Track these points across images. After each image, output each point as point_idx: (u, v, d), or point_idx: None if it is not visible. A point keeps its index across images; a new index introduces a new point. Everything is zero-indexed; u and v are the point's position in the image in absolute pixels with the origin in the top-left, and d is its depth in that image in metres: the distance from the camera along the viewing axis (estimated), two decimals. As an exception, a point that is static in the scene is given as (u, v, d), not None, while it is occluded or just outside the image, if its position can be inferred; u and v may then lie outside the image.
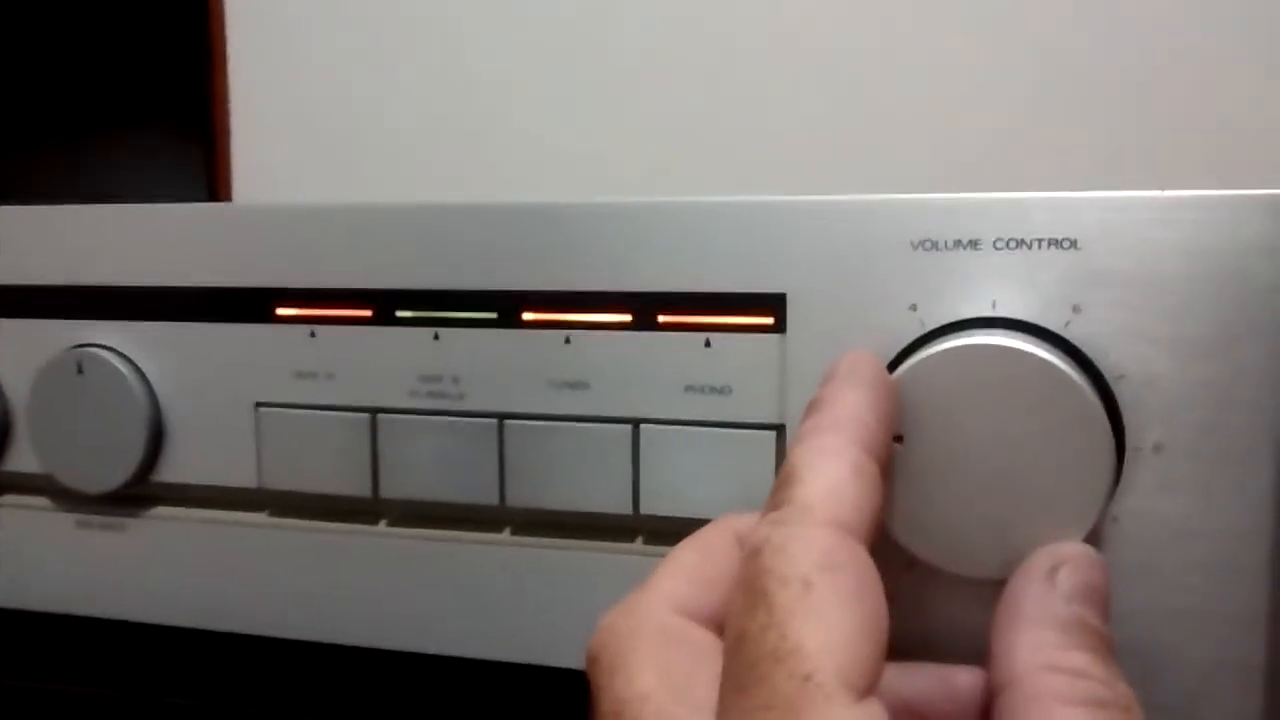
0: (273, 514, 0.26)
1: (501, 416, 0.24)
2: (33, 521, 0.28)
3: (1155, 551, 0.21)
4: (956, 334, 0.21)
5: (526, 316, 0.24)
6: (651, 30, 0.67)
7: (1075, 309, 0.21)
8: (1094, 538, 0.21)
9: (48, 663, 0.28)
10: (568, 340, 0.24)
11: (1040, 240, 0.21)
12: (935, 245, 0.22)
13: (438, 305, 0.25)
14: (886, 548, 0.21)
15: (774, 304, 0.23)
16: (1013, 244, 0.21)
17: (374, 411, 0.25)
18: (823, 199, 0.22)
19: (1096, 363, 0.21)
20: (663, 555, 0.24)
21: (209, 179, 0.97)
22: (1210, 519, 0.21)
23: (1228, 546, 0.21)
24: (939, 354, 0.20)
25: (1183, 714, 0.21)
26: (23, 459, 0.28)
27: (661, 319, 0.23)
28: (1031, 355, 0.20)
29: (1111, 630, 0.19)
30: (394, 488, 0.25)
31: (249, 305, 0.26)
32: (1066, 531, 0.20)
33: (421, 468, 0.25)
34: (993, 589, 0.20)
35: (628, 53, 0.68)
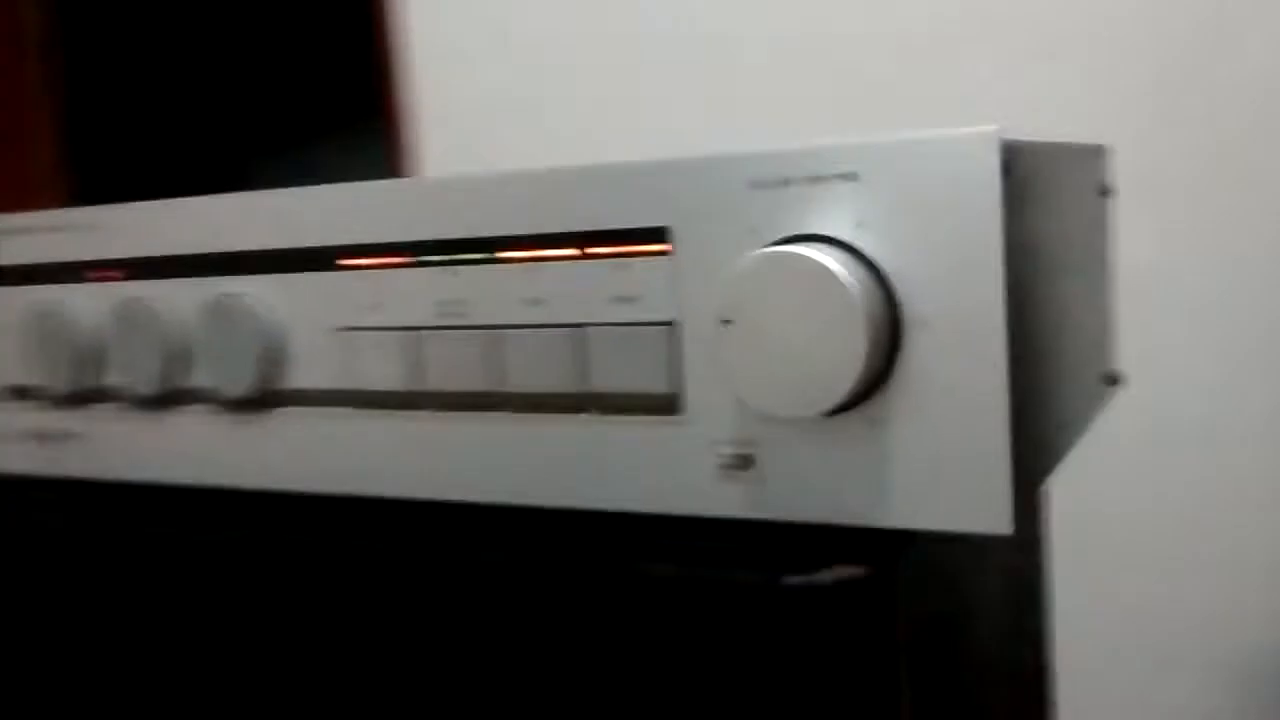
0: (355, 406, 0.37)
1: (491, 327, 0.34)
2: (205, 420, 0.40)
3: (929, 399, 0.29)
4: (777, 246, 0.29)
5: (504, 254, 0.34)
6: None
7: (860, 224, 0.29)
8: (886, 389, 0.29)
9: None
10: (532, 270, 0.33)
11: (833, 175, 0.29)
12: (764, 184, 0.30)
13: (450, 250, 0.35)
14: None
15: (663, 234, 0.31)
16: (815, 179, 0.29)
17: (414, 329, 0.35)
18: (692, 158, 0.31)
19: (876, 263, 0.29)
20: (609, 422, 0.33)
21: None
22: (965, 371, 0.28)
23: (975, 392, 0.28)
24: (752, 259, 0.29)
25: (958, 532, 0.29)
26: (199, 377, 0.40)
27: (591, 250, 0.32)
28: (809, 258, 0.28)
29: (899, 445, 0.28)
30: (432, 383, 0.35)
31: (322, 259, 0.37)
32: (840, 378, 0.28)
33: (447, 369, 0.35)
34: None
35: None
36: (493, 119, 1.02)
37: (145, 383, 0.40)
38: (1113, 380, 0.46)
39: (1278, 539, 0.86)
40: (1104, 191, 0.45)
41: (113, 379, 0.41)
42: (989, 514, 0.29)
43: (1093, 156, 0.44)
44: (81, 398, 0.42)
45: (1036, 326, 0.34)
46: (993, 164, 0.27)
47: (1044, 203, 0.34)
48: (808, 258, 0.28)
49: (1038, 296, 0.34)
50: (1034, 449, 0.34)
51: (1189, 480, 0.87)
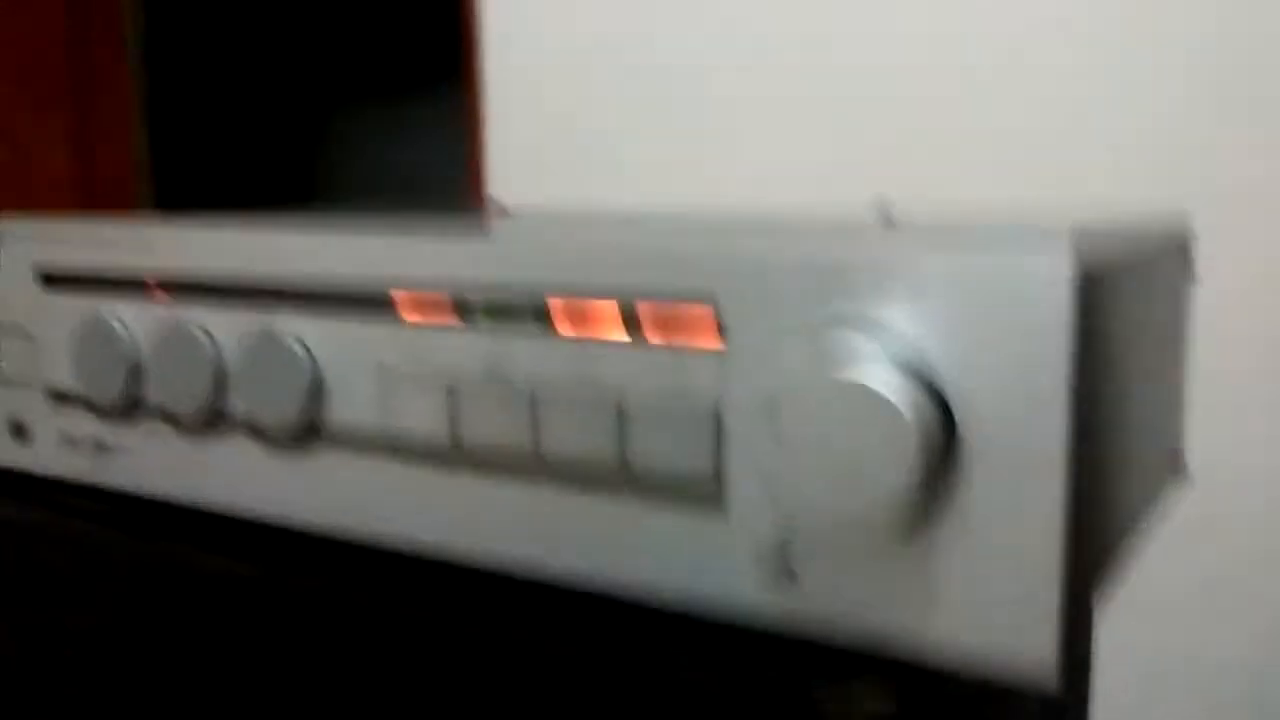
0: (393, 453, 0.36)
1: (533, 391, 0.33)
2: (244, 449, 0.39)
3: (980, 527, 0.27)
4: (832, 350, 0.28)
5: (550, 321, 0.33)
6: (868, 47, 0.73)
7: (921, 335, 0.28)
8: (937, 511, 0.28)
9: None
10: (578, 339, 0.32)
11: (898, 280, 0.28)
12: (824, 278, 0.29)
13: (498, 309, 0.34)
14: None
15: (714, 318, 0.30)
16: (878, 281, 0.28)
17: (455, 383, 0.35)
18: (749, 242, 0.30)
19: (934, 380, 0.27)
20: (648, 506, 0.32)
21: (467, 144, 1.10)
22: (1020, 503, 0.27)
23: (1029, 527, 0.27)
24: (804, 366, 0.28)
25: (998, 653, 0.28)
26: (238, 405, 0.39)
27: (639, 326, 0.31)
28: (863, 375, 0.27)
29: (945, 571, 0.26)
30: (470, 439, 0.35)
31: (370, 303, 0.36)
32: (888, 499, 0.27)
33: (486, 426, 0.34)
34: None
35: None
36: (566, 73, 1.00)
37: (187, 404, 0.40)
38: (1179, 470, 0.44)
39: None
40: (1187, 278, 0.43)
41: (157, 397, 0.41)
42: (1034, 660, 0.27)
43: (1177, 241, 0.42)
44: (126, 411, 0.42)
45: (1099, 425, 0.32)
46: (1063, 293, 0.26)
47: (1118, 307, 0.32)
48: (863, 375, 0.27)
49: (1103, 395, 0.32)
50: (1089, 567, 0.33)
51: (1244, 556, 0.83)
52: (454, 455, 0.35)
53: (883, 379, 0.27)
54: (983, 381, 0.27)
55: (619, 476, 0.32)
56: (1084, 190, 0.73)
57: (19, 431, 0.46)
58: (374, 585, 0.37)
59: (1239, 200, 0.74)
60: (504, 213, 0.62)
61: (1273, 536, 0.80)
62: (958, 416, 0.27)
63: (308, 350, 0.37)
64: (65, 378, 0.43)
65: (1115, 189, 0.73)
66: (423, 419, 0.35)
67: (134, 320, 0.41)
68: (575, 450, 0.33)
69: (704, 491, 0.31)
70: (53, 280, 0.44)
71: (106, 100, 1.82)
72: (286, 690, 0.38)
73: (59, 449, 0.44)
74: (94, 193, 1.82)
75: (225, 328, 0.39)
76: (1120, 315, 0.31)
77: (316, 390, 0.37)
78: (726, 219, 0.38)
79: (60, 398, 0.44)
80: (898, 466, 0.27)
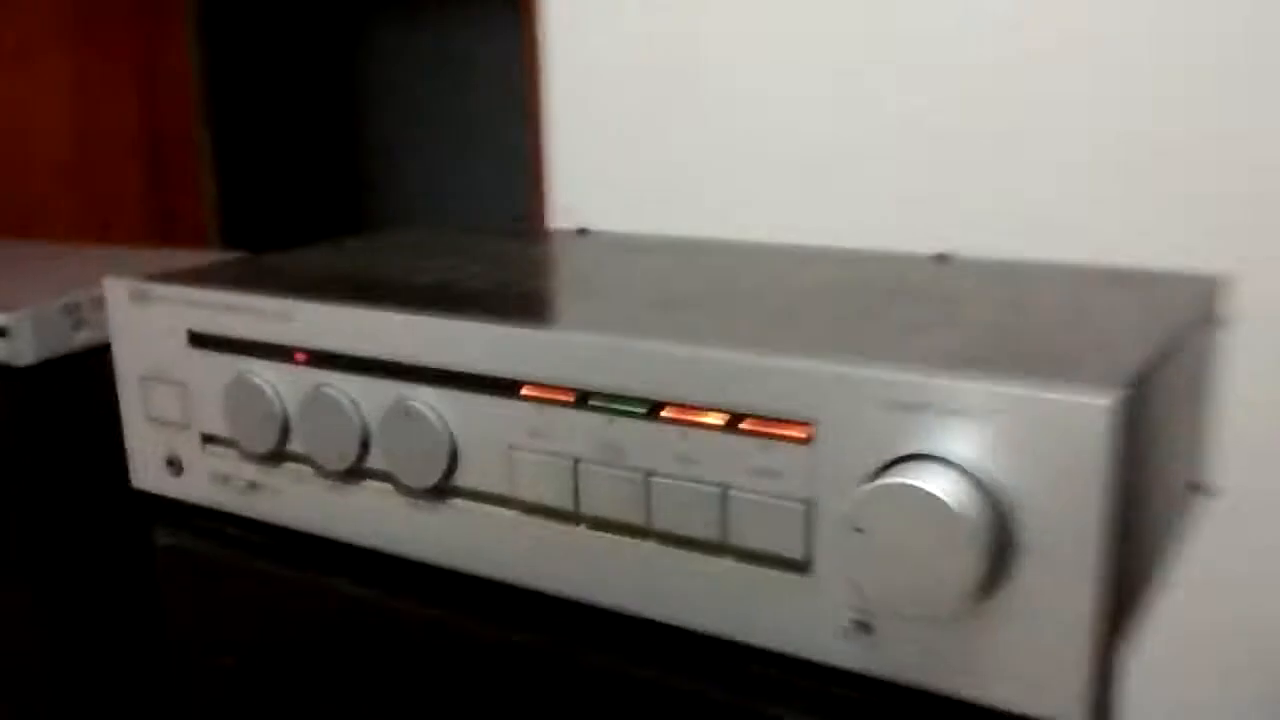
0: (519, 511, 0.43)
1: (644, 473, 0.39)
2: (384, 498, 0.46)
3: (1030, 607, 0.33)
4: (908, 462, 0.34)
5: (660, 413, 0.38)
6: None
7: (984, 456, 0.33)
8: (995, 594, 0.34)
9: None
10: (684, 431, 0.38)
11: (968, 410, 0.33)
12: (904, 404, 0.34)
13: (613, 401, 0.39)
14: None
15: (806, 426, 0.36)
16: (951, 411, 0.33)
17: (574, 460, 0.40)
18: (840, 368, 0.35)
19: (994, 492, 0.33)
20: (745, 569, 0.38)
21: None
22: (1063, 590, 0.33)
23: (1068, 611, 0.33)
24: (884, 482, 0.33)
25: None
26: (378, 462, 0.45)
27: (739, 425, 0.37)
28: (935, 491, 0.32)
29: (998, 639, 0.32)
30: (587, 509, 0.41)
31: (497, 385, 0.42)
32: (954, 592, 0.33)
33: (601, 499, 0.40)
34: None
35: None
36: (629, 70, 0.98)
37: (330, 460, 0.46)
38: (1203, 492, 0.50)
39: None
40: (1213, 322, 0.48)
41: (302, 450, 0.47)
42: (1066, 704, 0.34)
43: (1204, 287, 0.47)
44: (273, 458, 0.48)
45: (1131, 518, 0.37)
46: (1102, 418, 0.31)
47: (1151, 410, 0.37)
48: (934, 490, 0.32)
49: (1136, 490, 0.37)
50: (1117, 627, 0.38)
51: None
52: (571, 518, 0.41)
53: (948, 487, 0.33)
54: (1033, 490, 0.33)
55: (717, 544, 0.38)
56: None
57: (173, 465, 0.52)
58: (479, 615, 0.43)
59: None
60: (583, 232, 0.68)
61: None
62: (1011, 518, 0.33)
63: (442, 423, 0.43)
64: (215, 424, 0.50)
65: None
66: (544, 488, 0.41)
67: (280, 382, 0.47)
68: (681, 526, 0.39)
69: (795, 562, 0.37)
70: (201, 341, 0.49)
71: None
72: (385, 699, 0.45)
73: (216, 484, 0.51)
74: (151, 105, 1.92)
75: (364, 394, 0.45)
76: (1152, 412, 0.36)
77: (450, 458, 0.43)
78: (821, 321, 0.44)
79: (218, 441, 0.50)
80: (959, 560, 0.33)
